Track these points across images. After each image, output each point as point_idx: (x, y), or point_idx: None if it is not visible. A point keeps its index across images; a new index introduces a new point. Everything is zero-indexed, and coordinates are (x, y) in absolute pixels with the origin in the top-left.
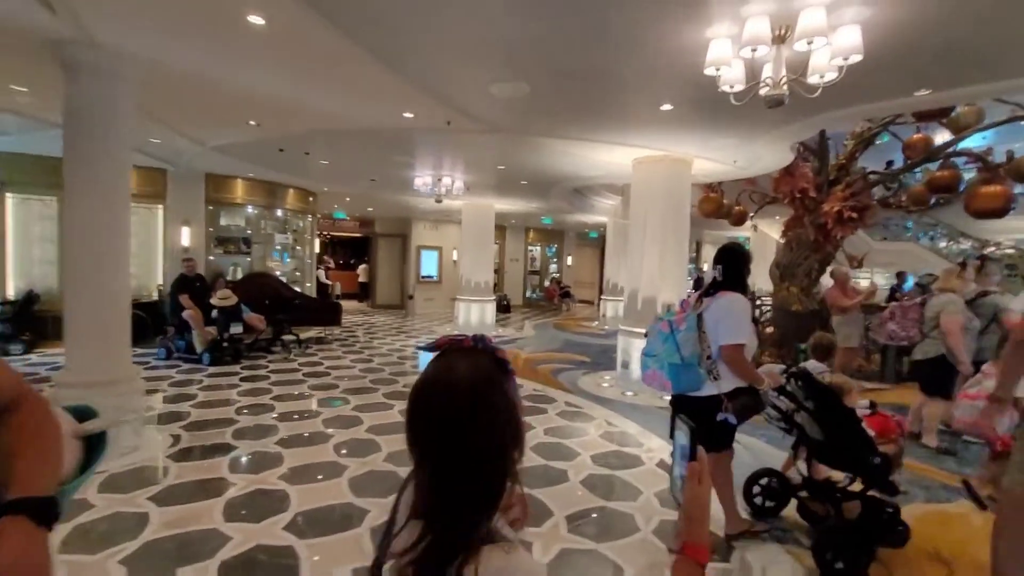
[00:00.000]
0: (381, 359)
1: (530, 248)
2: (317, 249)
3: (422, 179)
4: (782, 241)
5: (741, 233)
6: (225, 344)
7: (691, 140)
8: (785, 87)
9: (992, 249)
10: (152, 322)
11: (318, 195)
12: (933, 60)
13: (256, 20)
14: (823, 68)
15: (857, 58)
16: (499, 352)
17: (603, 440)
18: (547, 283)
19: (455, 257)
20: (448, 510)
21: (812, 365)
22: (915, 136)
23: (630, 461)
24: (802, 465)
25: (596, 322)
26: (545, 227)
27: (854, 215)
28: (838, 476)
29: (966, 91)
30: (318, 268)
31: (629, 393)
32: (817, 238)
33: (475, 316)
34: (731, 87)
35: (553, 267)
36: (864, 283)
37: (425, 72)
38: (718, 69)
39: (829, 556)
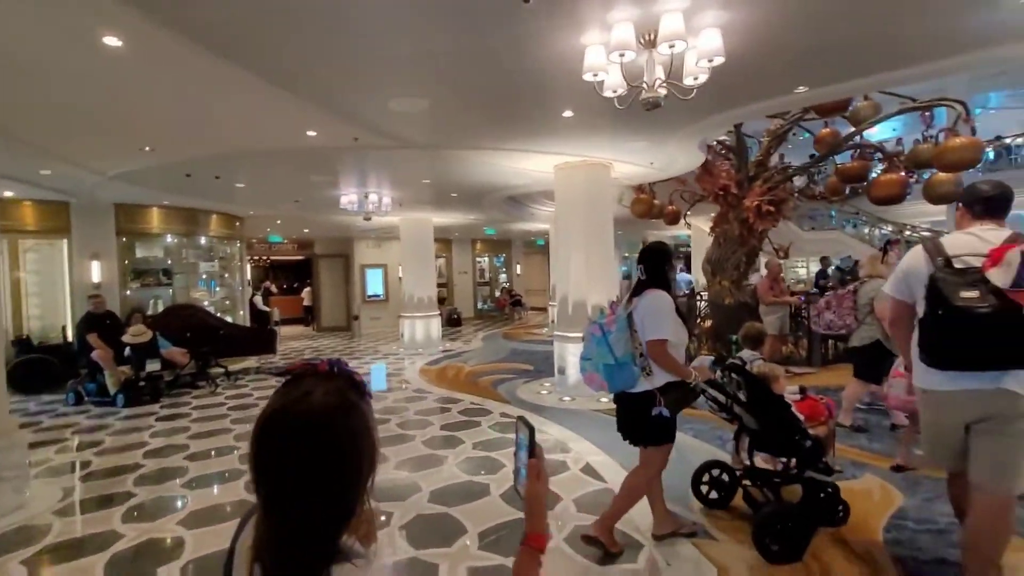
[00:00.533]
0: None
1: (478, 259)
2: (249, 276)
3: (347, 197)
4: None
5: (683, 232)
6: (142, 383)
7: (604, 145)
8: (661, 90)
9: (908, 232)
10: (60, 365)
11: (245, 219)
12: (800, 59)
13: (112, 42)
14: (694, 71)
15: (720, 60)
16: (356, 376)
17: None
18: (497, 293)
19: (400, 274)
20: (296, 543)
21: (747, 354)
22: (823, 131)
23: (555, 468)
24: (746, 454)
25: (546, 328)
26: (491, 238)
27: (771, 208)
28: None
29: (842, 87)
30: (254, 294)
31: (566, 399)
32: (742, 232)
33: (420, 332)
34: (613, 92)
35: (503, 277)
36: (801, 270)
37: (320, 91)
38: (596, 75)
39: (767, 540)
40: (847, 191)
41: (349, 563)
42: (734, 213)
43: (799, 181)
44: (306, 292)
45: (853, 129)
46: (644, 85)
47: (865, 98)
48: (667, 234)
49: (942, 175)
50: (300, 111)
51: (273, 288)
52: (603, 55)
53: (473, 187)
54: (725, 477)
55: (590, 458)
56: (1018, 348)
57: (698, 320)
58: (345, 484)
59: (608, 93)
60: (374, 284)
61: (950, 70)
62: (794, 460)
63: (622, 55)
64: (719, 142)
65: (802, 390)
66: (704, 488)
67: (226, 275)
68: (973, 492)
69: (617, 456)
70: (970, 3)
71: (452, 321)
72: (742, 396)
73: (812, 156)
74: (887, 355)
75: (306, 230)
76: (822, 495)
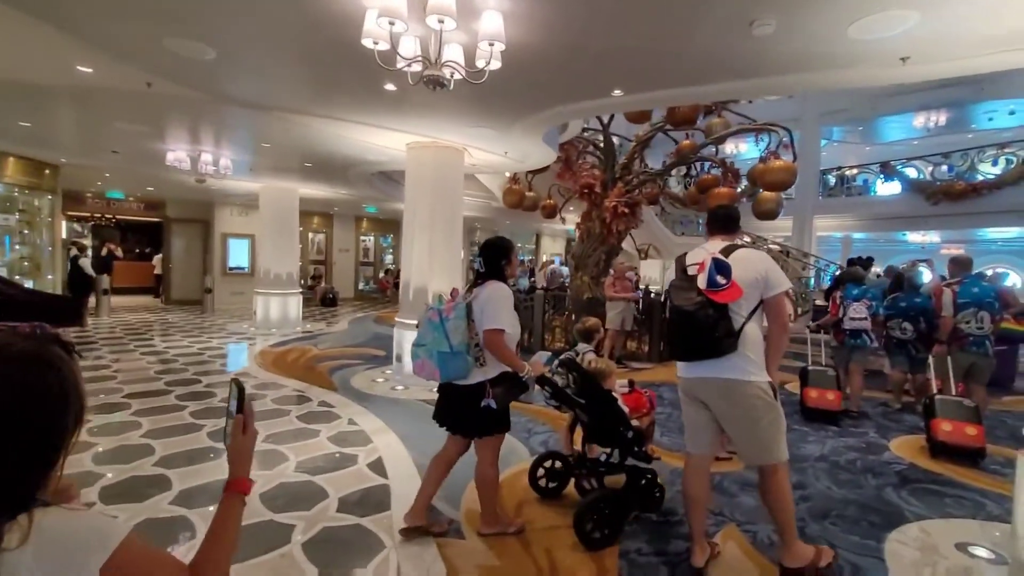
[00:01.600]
0: (131, 366)
1: (363, 238)
2: (64, 234)
3: (174, 154)
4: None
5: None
6: None
7: (448, 127)
8: (445, 70)
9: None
10: None
11: (60, 168)
12: (602, 62)
13: None
14: (484, 54)
15: (501, 46)
16: (60, 336)
17: (329, 442)
18: (382, 274)
19: None
20: None
21: (582, 347)
22: (684, 142)
23: (342, 463)
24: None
25: None
26: (376, 216)
27: (626, 210)
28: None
29: (655, 96)
30: (79, 257)
31: (399, 388)
32: (602, 231)
33: (276, 310)
34: (405, 65)
35: (388, 258)
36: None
37: (77, 19)
38: (376, 43)
39: (589, 527)
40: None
41: (57, 508)
42: (596, 212)
43: (677, 188)
44: (157, 259)
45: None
46: (425, 61)
47: (719, 115)
48: (560, 228)
49: (767, 193)
50: (58, 38)
51: (119, 252)
52: (382, 22)
53: (325, 158)
54: (559, 466)
55: (386, 452)
56: (710, 339)
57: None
58: (42, 434)
59: (402, 65)
60: (238, 256)
61: (741, 92)
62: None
63: (392, 23)
64: (588, 141)
65: (630, 384)
66: (541, 481)
67: (27, 232)
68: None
69: (416, 451)
70: (724, 32)
71: (326, 301)
72: (574, 390)
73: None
74: None
75: (150, 188)
76: (643, 481)
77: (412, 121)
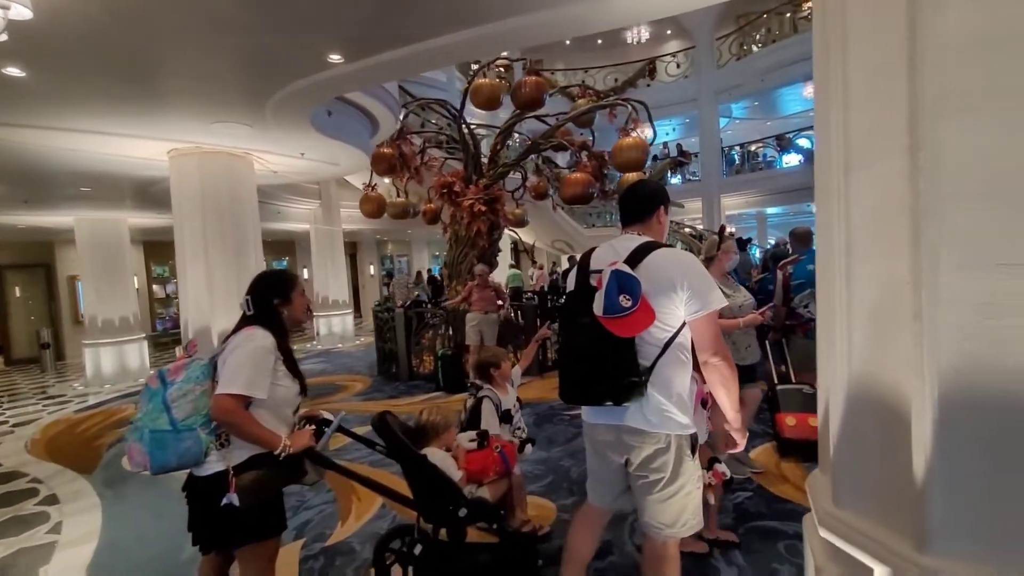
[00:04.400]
0: None
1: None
2: None
3: None
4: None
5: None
6: None
7: (192, 128)
8: None
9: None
10: None
11: None
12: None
13: None
14: None
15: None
16: None
17: None
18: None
19: (136, 285)
20: None
21: (484, 391)
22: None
23: None
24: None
25: (314, 341)
26: (270, 239)
27: (483, 208)
28: None
29: (384, 59)
30: None
31: None
32: (468, 232)
33: (110, 363)
34: None
35: None
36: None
37: None
38: None
39: None
40: (597, 192)
41: None
42: (458, 212)
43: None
44: None
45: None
46: None
47: (585, 96)
48: None
49: (630, 175)
50: None
51: None
52: None
53: (44, 172)
54: (419, 544)
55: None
56: (607, 382)
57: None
58: None
59: None
60: None
61: (473, 45)
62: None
63: None
64: (441, 133)
65: (481, 437)
66: (392, 567)
67: None
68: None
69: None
70: None
71: None
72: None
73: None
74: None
75: None
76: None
77: (123, 122)
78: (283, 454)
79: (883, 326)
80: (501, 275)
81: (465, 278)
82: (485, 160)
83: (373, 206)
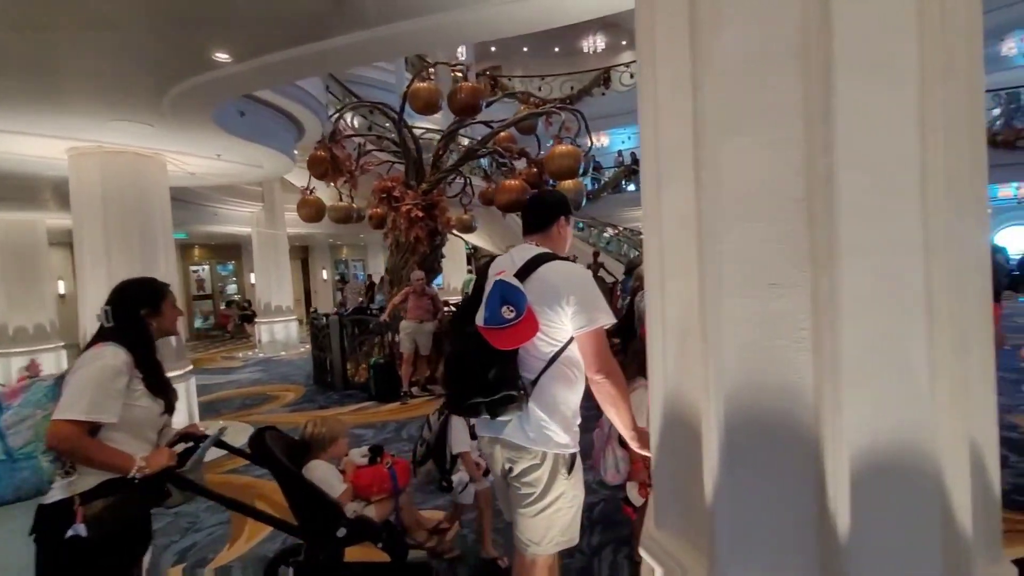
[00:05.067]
0: None
1: (195, 268)
2: None
3: None
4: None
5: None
6: None
7: (87, 125)
8: None
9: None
10: None
11: None
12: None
13: None
14: None
15: None
16: None
17: None
18: (223, 307)
19: (61, 290)
20: None
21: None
22: (502, 134)
23: None
24: None
25: (256, 349)
26: (208, 241)
27: (420, 214)
28: None
29: (275, 59)
30: None
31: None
32: (407, 238)
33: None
34: None
35: (232, 288)
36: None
37: None
38: None
39: None
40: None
41: None
42: (397, 218)
43: None
44: None
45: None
46: None
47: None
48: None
49: (568, 183)
50: None
51: None
52: None
53: None
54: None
55: None
56: (486, 392)
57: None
58: None
59: None
60: None
61: (373, 47)
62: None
63: None
64: (382, 136)
65: (374, 453)
66: None
67: None
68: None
69: None
70: None
71: None
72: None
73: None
74: None
75: None
76: None
77: (14, 118)
78: (135, 475)
79: (685, 344)
80: (457, 280)
81: (405, 285)
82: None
83: (311, 210)
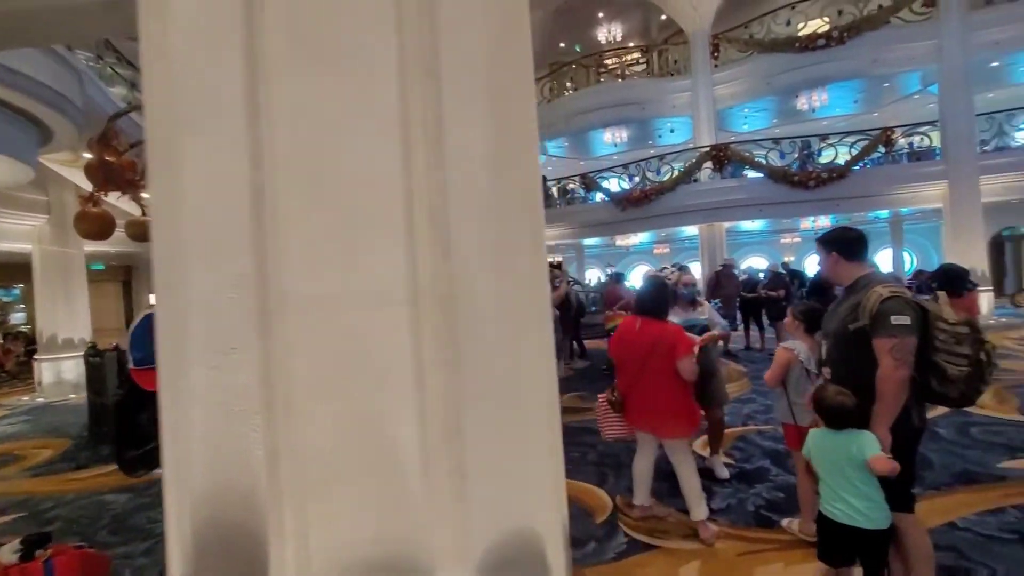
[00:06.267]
0: None
1: None
2: None
3: None
4: None
5: None
6: None
7: None
8: None
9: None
10: None
11: None
12: None
13: None
14: None
15: None
16: None
17: None
18: (1, 341)
19: None
20: None
21: None
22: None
23: None
24: None
25: (33, 394)
26: None
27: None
28: None
29: None
30: None
31: None
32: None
33: None
34: None
35: (19, 317)
36: None
37: None
38: None
39: None
40: None
41: None
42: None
43: None
44: None
45: None
46: None
47: None
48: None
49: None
50: None
51: None
52: None
53: None
54: None
55: None
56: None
57: None
58: None
59: None
60: None
61: None
62: None
63: None
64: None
65: (28, 546)
66: None
67: None
68: None
69: None
70: None
71: None
72: None
73: None
74: None
75: None
76: None
77: None
78: None
79: None
80: None
81: None
82: None
83: (93, 225)
